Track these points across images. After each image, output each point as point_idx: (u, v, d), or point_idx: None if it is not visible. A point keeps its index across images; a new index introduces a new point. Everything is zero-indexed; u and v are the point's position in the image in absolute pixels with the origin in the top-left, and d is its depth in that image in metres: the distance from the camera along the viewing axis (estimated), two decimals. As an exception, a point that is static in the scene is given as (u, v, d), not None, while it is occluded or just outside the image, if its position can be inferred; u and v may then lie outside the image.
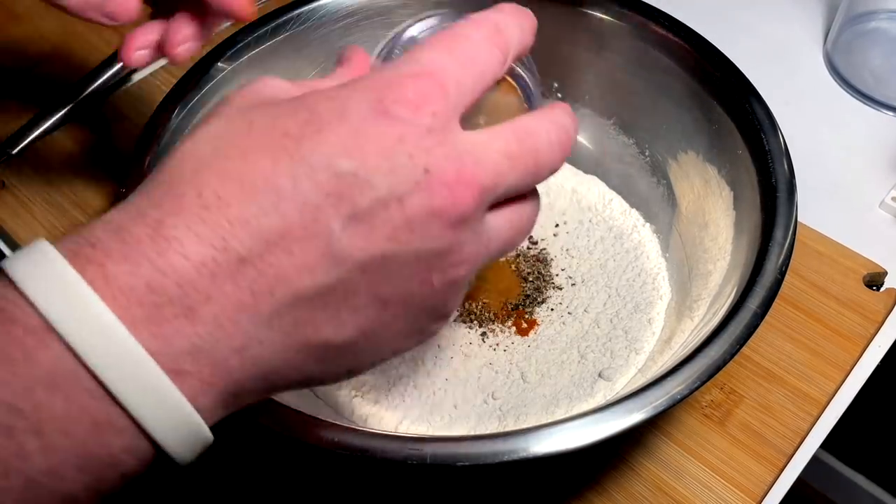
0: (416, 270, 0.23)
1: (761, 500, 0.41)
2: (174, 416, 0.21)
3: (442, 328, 0.27)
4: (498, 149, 0.24)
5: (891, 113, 0.59)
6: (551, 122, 0.26)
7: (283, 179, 0.22)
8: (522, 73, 0.30)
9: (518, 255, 0.50)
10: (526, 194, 0.27)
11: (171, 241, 0.21)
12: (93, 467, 0.21)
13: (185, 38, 0.40)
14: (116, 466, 0.21)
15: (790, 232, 0.38)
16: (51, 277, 0.20)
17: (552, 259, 0.50)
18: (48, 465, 0.20)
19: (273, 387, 0.24)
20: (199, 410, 0.22)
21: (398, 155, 0.22)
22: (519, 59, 0.28)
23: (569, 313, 0.47)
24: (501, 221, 0.26)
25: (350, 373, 0.26)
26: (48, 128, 0.57)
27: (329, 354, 0.24)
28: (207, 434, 0.22)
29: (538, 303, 0.48)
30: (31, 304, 0.20)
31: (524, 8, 0.27)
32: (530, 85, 0.30)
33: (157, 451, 0.22)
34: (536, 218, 0.28)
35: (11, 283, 0.20)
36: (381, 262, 0.22)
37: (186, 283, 0.21)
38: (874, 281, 0.49)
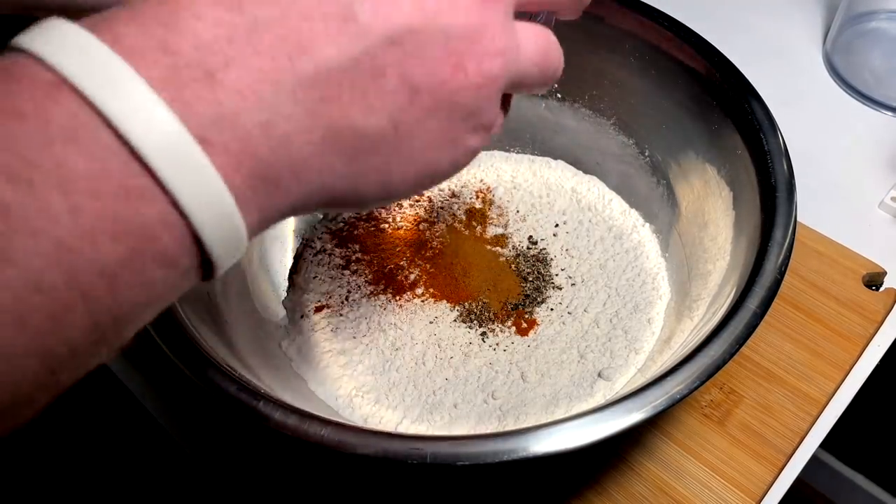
0: (446, 51, 0.22)
1: (761, 500, 0.41)
2: (202, 184, 0.19)
3: (478, 146, 0.25)
4: None
5: (890, 113, 0.59)
6: None
7: None
8: None
9: (518, 255, 0.50)
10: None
11: (182, 3, 0.20)
12: (127, 238, 0.18)
13: None
14: (154, 242, 0.19)
15: (789, 232, 0.38)
16: (59, 37, 0.19)
17: (552, 259, 0.50)
18: (78, 227, 0.18)
19: (305, 188, 0.22)
20: (230, 189, 0.20)
21: None
22: None
23: (568, 313, 0.47)
24: (529, 33, 0.25)
25: (381, 192, 0.24)
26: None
27: (359, 146, 0.22)
28: (240, 221, 0.20)
29: (538, 303, 0.48)
30: (41, 62, 0.18)
31: None
32: None
33: (193, 236, 0.20)
34: (562, 58, 0.27)
35: (19, 50, 0.19)
36: (408, 35, 0.21)
37: (203, 46, 0.19)
38: (873, 281, 0.49)
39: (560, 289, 0.48)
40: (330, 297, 0.49)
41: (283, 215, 0.22)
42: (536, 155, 0.55)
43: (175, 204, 0.19)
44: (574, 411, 0.42)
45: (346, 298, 0.49)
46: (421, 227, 0.52)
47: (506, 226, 0.52)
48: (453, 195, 0.54)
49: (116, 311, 0.19)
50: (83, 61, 0.18)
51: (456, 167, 0.25)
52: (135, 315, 0.20)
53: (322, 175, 0.22)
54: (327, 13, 0.20)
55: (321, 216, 0.53)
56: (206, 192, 0.19)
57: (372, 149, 0.22)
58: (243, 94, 0.20)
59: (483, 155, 0.55)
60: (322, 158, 0.21)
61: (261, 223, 0.22)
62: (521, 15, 0.26)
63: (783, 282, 0.36)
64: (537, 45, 0.25)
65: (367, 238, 0.52)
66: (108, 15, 0.20)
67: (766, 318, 0.35)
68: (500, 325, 0.47)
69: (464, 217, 0.53)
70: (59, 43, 0.18)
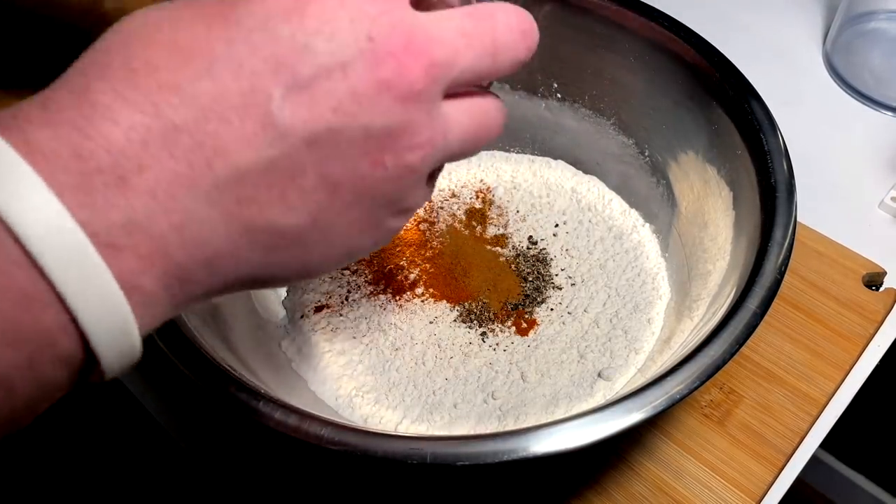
0: (366, 149, 0.22)
1: (761, 500, 0.41)
2: (100, 295, 0.19)
3: (401, 226, 0.25)
4: (452, 26, 0.23)
5: (890, 113, 0.59)
6: (510, 7, 0.25)
7: (217, 43, 0.20)
8: None
9: (518, 255, 0.50)
10: (488, 92, 0.26)
11: (97, 106, 0.19)
12: (26, 344, 0.19)
13: None
14: (52, 347, 0.19)
15: (789, 232, 0.38)
16: None
17: (552, 259, 0.50)
18: None
19: (221, 279, 0.22)
20: (135, 292, 0.20)
21: (339, 19, 0.21)
22: None
23: (568, 313, 0.47)
24: (460, 111, 0.24)
25: (302, 273, 0.24)
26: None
27: (277, 242, 0.22)
28: (134, 329, 0.20)
29: (538, 303, 0.48)
30: None
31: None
32: None
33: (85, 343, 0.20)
34: (503, 120, 0.26)
35: None
36: (327, 136, 0.21)
37: (116, 150, 0.19)
38: (873, 281, 0.49)
39: (560, 289, 0.48)
40: (330, 297, 0.49)
41: (200, 302, 0.23)
42: (536, 155, 0.55)
43: (70, 312, 0.19)
44: (574, 411, 0.42)
45: (346, 298, 0.49)
46: (421, 227, 0.52)
47: (506, 226, 0.52)
48: (453, 195, 0.54)
49: (11, 407, 0.19)
50: None
51: (378, 246, 0.25)
52: (30, 409, 0.20)
53: (238, 268, 0.22)
54: (245, 116, 0.20)
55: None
56: (102, 301, 0.19)
57: (292, 243, 0.22)
58: (157, 198, 0.20)
59: (483, 155, 0.55)
60: (239, 255, 0.22)
61: (175, 312, 0.22)
62: None
63: (783, 282, 0.36)
64: (469, 124, 0.25)
65: (367, 238, 0.51)
66: (22, 114, 0.19)
67: (766, 318, 0.35)
68: (500, 325, 0.47)
69: (464, 217, 0.53)
70: None
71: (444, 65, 0.22)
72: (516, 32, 0.25)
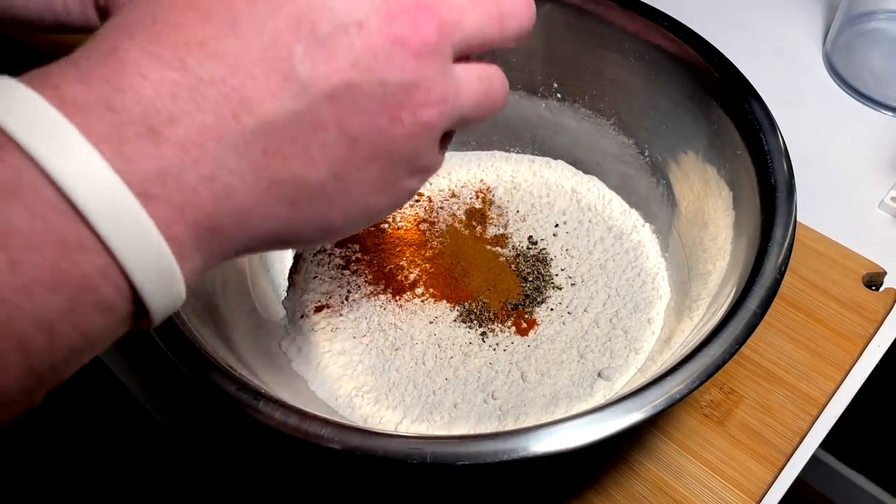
0: (383, 104, 0.22)
1: (760, 500, 0.41)
2: (140, 237, 0.20)
3: (417, 187, 0.26)
4: None
5: (890, 113, 0.59)
6: None
7: (239, 2, 0.21)
8: None
9: (518, 255, 0.50)
10: (493, 62, 0.27)
11: (126, 62, 0.20)
12: (66, 288, 0.19)
13: None
14: (93, 292, 0.20)
15: (789, 232, 0.38)
16: (7, 97, 0.19)
17: (552, 259, 0.50)
18: (16, 280, 0.19)
19: (248, 233, 0.23)
20: (171, 241, 0.21)
21: None
22: None
23: (568, 313, 0.47)
24: (470, 74, 0.25)
25: (324, 231, 0.25)
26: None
27: (300, 195, 0.23)
28: (178, 272, 0.21)
29: (538, 303, 0.48)
30: None
31: None
32: None
33: (131, 286, 0.20)
34: (507, 90, 0.27)
35: None
36: (346, 90, 0.22)
37: (147, 103, 0.20)
38: (873, 281, 0.49)
39: (560, 289, 0.48)
40: (330, 297, 0.49)
41: (227, 258, 0.24)
42: (536, 155, 0.55)
43: (114, 256, 0.20)
44: (574, 411, 0.42)
45: (346, 298, 0.49)
46: (421, 227, 0.52)
47: (506, 226, 0.52)
48: (453, 195, 0.54)
49: (53, 357, 0.20)
50: (28, 120, 0.19)
51: (395, 207, 0.26)
52: (73, 359, 0.21)
53: (265, 222, 0.23)
54: (269, 70, 0.21)
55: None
56: (144, 245, 0.20)
57: (314, 197, 0.23)
58: (186, 148, 0.20)
59: (483, 155, 0.55)
60: (265, 208, 0.22)
61: (205, 267, 0.23)
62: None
63: (783, 282, 0.36)
64: (479, 87, 0.26)
65: (367, 238, 0.52)
66: (55, 71, 0.20)
67: (766, 318, 0.35)
68: (500, 325, 0.47)
69: (464, 217, 0.53)
70: (6, 103, 0.19)
71: (452, 23, 0.23)
72: (519, 2, 0.26)
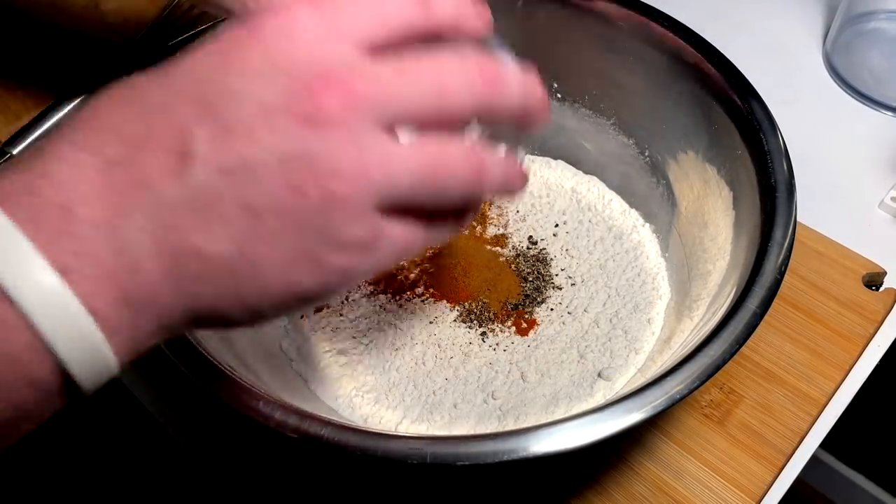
0: (281, 177, 0.22)
1: (761, 500, 0.41)
2: (63, 313, 0.21)
3: (357, 266, 0.24)
4: (389, 66, 0.24)
5: (890, 113, 0.59)
6: (482, 63, 0.25)
7: (154, 92, 0.23)
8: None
9: (518, 255, 0.50)
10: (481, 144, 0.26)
11: (49, 151, 0.22)
12: None
13: None
14: (22, 367, 0.21)
15: (789, 232, 0.38)
16: None
17: (552, 259, 0.50)
18: None
19: (168, 310, 0.23)
20: (94, 314, 0.21)
21: (260, 62, 0.23)
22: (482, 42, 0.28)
23: (568, 313, 0.47)
24: (409, 149, 0.24)
25: (243, 308, 0.24)
26: (49, 128, 0.57)
27: (206, 270, 0.23)
28: (105, 345, 0.22)
29: (538, 303, 0.48)
30: None
31: None
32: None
33: (58, 362, 0.21)
34: (471, 167, 0.25)
35: None
36: (240, 164, 0.22)
37: (63, 185, 0.22)
38: (873, 281, 0.49)
39: (560, 289, 0.48)
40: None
41: (155, 337, 0.24)
42: (536, 155, 0.55)
43: (37, 332, 0.21)
44: (574, 411, 0.42)
45: (346, 298, 0.49)
46: (421, 227, 0.52)
47: (506, 226, 0.52)
48: (453, 195, 0.54)
49: None
50: None
51: (327, 287, 0.25)
52: (9, 431, 0.22)
53: (179, 298, 0.23)
54: (168, 151, 0.22)
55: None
56: (66, 319, 0.21)
57: (222, 272, 0.23)
58: (97, 226, 0.22)
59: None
60: (173, 282, 0.23)
61: (144, 340, 0.24)
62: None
63: (783, 282, 0.36)
64: (419, 161, 0.24)
65: (367, 238, 0.51)
66: None
67: (766, 318, 0.35)
68: (499, 325, 0.47)
69: (464, 217, 0.53)
70: None
71: (368, 97, 0.23)
72: (476, 84, 0.25)
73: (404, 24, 0.25)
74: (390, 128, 0.24)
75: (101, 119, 0.23)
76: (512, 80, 0.26)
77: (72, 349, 0.21)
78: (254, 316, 0.25)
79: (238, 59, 0.23)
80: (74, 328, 0.21)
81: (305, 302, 0.25)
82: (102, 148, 0.22)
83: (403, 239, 0.25)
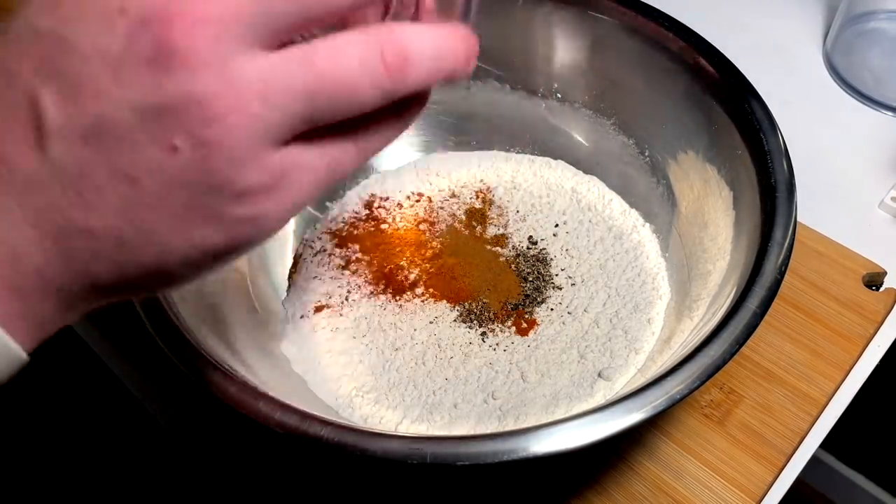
0: (145, 134, 0.19)
1: (761, 500, 0.41)
2: None
3: (260, 213, 0.21)
4: None
5: (890, 113, 0.59)
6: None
7: None
8: None
9: (518, 255, 0.50)
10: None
11: None
12: None
13: None
14: None
15: (789, 232, 0.38)
16: None
17: (552, 259, 0.50)
18: None
19: (67, 290, 0.22)
20: None
21: (93, 2, 0.20)
22: None
23: (568, 313, 0.47)
24: (285, 60, 0.20)
25: (155, 276, 0.22)
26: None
27: (97, 245, 0.21)
28: (4, 337, 0.21)
29: (538, 303, 0.48)
30: None
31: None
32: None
33: None
34: (372, 59, 0.21)
35: None
36: (99, 127, 0.19)
37: None
38: (873, 281, 0.49)
39: (560, 289, 0.48)
40: (330, 297, 0.49)
41: (65, 316, 0.22)
42: (536, 155, 0.55)
43: None
44: (574, 411, 0.42)
45: (346, 298, 0.49)
46: (421, 227, 0.52)
47: (506, 226, 0.52)
48: (453, 195, 0.54)
49: None
50: None
51: (240, 239, 0.22)
52: None
53: (74, 276, 0.21)
54: (20, 122, 0.20)
55: (320, 215, 0.53)
56: None
57: (112, 245, 0.21)
58: None
59: (483, 155, 0.55)
60: (63, 262, 0.21)
61: (40, 330, 0.22)
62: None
63: (783, 282, 0.36)
64: (306, 78, 0.20)
65: (367, 238, 0.52)
66: None
67: (766, 318, 0.35)
68: (500, 325, 0.47)
69: (464, 217, 0.53)
70: None
71: (218, 17, 0.19)
72: None
73: None
74: (265, 43, 0.20)
75: None
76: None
77: None
78: (164, 280, 0.23)
79: (71, 3, 0.20)
80: None
81: (222, 257, 0.22)
82: None
83: (325, 163, 0.22)
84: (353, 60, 0.21)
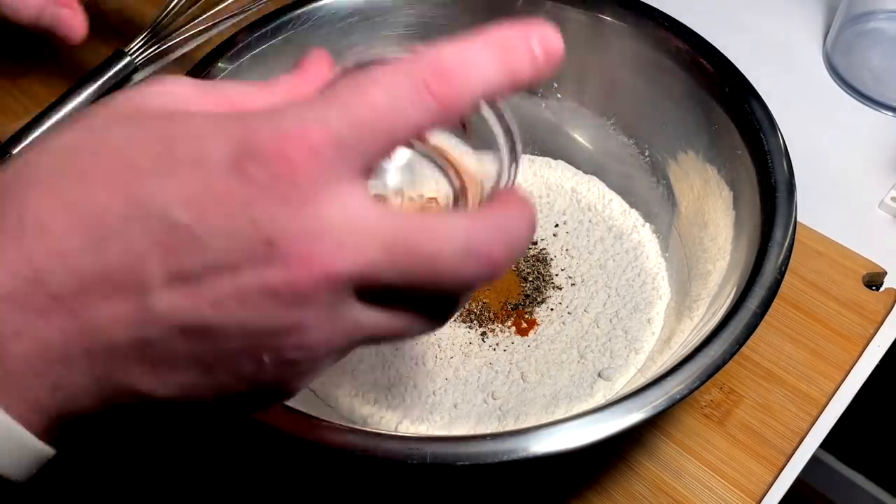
0: (242, 345, 0.21)
1: (761, 500, 0.41)
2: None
3: (302, 383, 0.24)
4: (379, 235, 0.21)
5: (890, 113, 0.59)
6: (485, 226, 0.22)
7: (113, 219, 0.20)
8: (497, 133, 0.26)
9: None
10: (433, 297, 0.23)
11: None
12: None
13: None
14: None
15: (789, 232, 0.38)
16: None
17: (552, 259, 0.50)
18: None
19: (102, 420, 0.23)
20: (21, 422, 0.21)
21: (240, 218, 0.20)
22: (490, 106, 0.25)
23: (568, 313, 0.47)
24: (377, 313, 0.22)
25: (201, 415, 0.24)
26: (49, 128, 0.57)
27: (153, 408, 0.22)
28: (33, 441, 0.21)
29: (538, 303, 0.48)
30: None
31: (541, 30, 0.24)
32: (501, 147, 0.26)
33: None
34: (433, 324, 0.23)
35: None
36: (202, 329, 0.21)
37: None
38: (873, 281, 0.49)
39: (560, 289, 0.48)
40: (330, 297, 0.49)
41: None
42: (536, 155, 0.55)
43: None
44: (574, 411, 0.42)
45: (346, 298, 0.48)
46: (421, 227, 0.52)
47: (506, 226, 0.52)
48: (453, 195, 0.54)
49: None
50: None
51: (257, 407, 0.24)
52: None
53: (105, 404, 0.22)
54: (123, 296, 0.20)
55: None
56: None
57: (171, 408, 0.22)
58: (32, 364, 0.20)
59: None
60: (104, 404, 0.22)
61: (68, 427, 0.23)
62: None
63: (783, 282, 0.36)
64: (386, 328, 0.22)
65: (367, 238, 0.51)
66: None
67: (766, 318, 0.35)
68: (499, 325, 0.47)
69: (464, 217, 0.52)
70: None
71: (351, 278, 0.21)
72: (471, 261, 0.22)
73: (407, 134, 0.22)
74: (364, 298, 0.22)
75: (42, 231, 0.20)
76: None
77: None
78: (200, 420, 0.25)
79: (216, 202, 0.20)
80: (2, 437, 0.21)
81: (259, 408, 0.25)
82: (43, 276, 0.20)
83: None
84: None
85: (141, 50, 0.57)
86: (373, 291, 0.21)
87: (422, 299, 0.22)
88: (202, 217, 0.20)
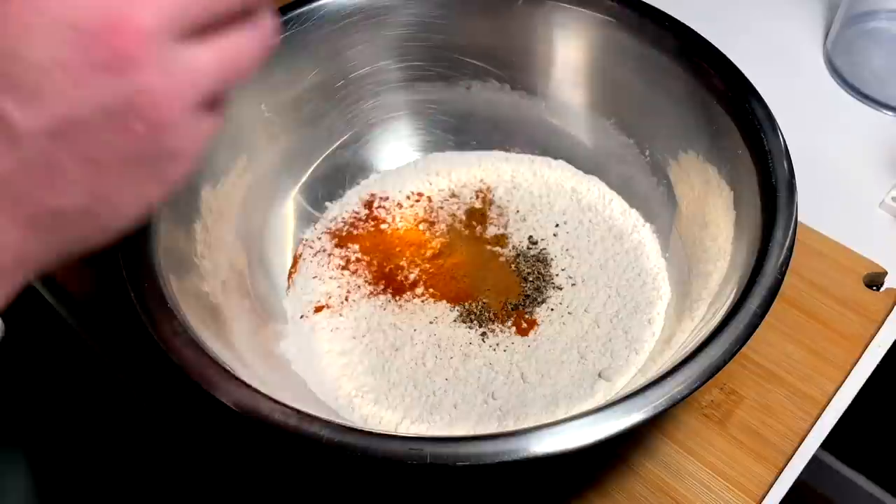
0: (110, 124, 0.23)
1: (761, 500, 0.41)
2: None
3: (186, 165, 0.26)
4: None
5: (891, 113, 0.59)
6: None
7: None
8: None
9: (518, 255, 0.50)
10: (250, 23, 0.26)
11: None
12: None
13: None
14: None
15: (790, 232, 0.38)
16: None
17: (552, 259, 0.50)
18: None
19: (35, 260, 0.25)
20: None
21: (42, 17, 0.22)
22: None
23: (569, 313, 0.47)
24: (207, 54, 0.25)
25: (109, 231, 0.26)
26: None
27: (67, 220, 0.24)
28: None
29: (538, 303, 0.48)
30: None
31: None
32: None
33: None
34: (259, 48, 0.26)
35: None
36: (68, 126, 0.23)
37: None
38: (874, 281, 0.49)
39: (560, 289, 0.48)
40: (330, 297, 0.49)
41: (28, 279, 0.25)
42: (536, 155, 0.55)
43: None
44: (574, 411, 0.42)
45: (346, 298, 0.48)
46: (421, 227, 0.52)
47: (506, 226, 0.52)
48: (453, 195, 0.54)
49: None
50: None
51: (171, 189, 0.26)
52: None
53: (45, 248, 0.25)
54: None
55: (320, 215, 0.53)
56: None
57: (81, 217, 0.25)
58: None
59: (483, 155, 0.55)
60: (36, 240, 0.24)
61: (6, 297, 0.25)
62: None
63: (784, 282, 0.36)
64: (219, 63, 0.25)
65: (367, 238, 0.51)
66: None
67: (766, 318, 0.35)
68: (500, 325, 0.47)
69: (464, 217, 0.53)
70: None
71: (154, 27, 0.23)
72: None
73: None
74: (186, 38, 0.24)
75: None
76: None
77: None
78: (113, 233, 0.27)
79: (15, 13, 0.22)
80: None
81: (154, 207, 0.27)
82: None
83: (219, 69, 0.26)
84: (249, 52, 0.26)
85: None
86: (186, 30, 0.24)
87: (229, 16, 0.25)
88: (7, 33, 0.22)
